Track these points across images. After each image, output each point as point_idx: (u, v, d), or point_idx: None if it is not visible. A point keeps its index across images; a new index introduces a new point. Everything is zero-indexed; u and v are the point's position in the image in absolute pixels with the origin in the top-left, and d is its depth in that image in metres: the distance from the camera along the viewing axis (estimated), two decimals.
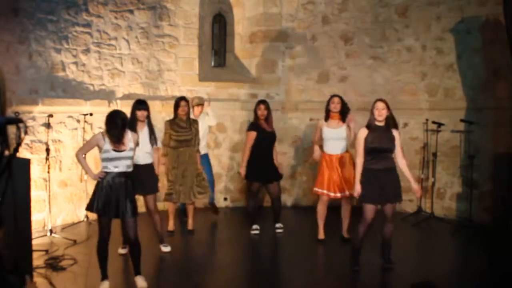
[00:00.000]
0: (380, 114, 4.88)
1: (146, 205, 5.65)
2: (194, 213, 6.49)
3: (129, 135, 4.46)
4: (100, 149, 4.40)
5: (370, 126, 4.93)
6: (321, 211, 6.01)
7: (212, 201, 7.63)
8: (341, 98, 5.97)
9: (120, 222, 4.59)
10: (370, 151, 4.88)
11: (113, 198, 4.34)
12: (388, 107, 4.91)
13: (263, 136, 6.33)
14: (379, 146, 4.87)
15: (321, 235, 6.05)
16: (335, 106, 5.90)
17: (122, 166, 4.39)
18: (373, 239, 5.22)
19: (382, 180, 4.87)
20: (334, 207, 6.14)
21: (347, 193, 5.83)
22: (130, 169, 4.47)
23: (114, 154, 4.35)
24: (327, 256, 5.83)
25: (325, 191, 5.88)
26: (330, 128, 5.92)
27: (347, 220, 6.04)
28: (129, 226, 4.44)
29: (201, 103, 6.95)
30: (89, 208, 4.45)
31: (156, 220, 5.65)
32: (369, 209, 4.90)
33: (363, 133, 4.93)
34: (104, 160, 4.39)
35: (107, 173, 4.39)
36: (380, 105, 4.90)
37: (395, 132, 4.96)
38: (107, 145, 4.36)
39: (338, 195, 5.86)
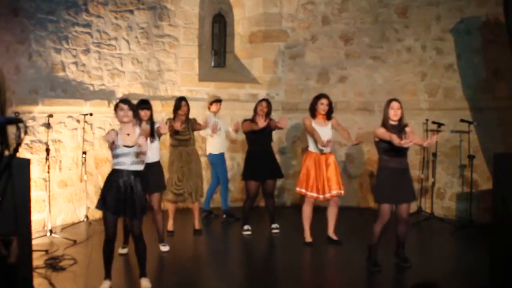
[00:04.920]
0: (396, 114, 4.85)
1: (150, 204, 5.64)
2: (199, 212, 6.51)
3: (137, 132, 4.38)
4: (113, 146, 4.32)
5: (386, 125, 4.89)
6: (307, 212, 5.84)
7: (207, 208, 7.40)
8: (329, 99, 5.81)
9: (123, 221, 4.54)
10: (388, 150, 4.85)
11: (121, 197, 4.28)
12: (401, 107, 4.90)
13: (255, 135, 6.29)
14: (397, 146, 4.83)
15: (308, 238, 5.90)
16: (324, 108, 5.74)
17: (131, 163, 4.32)
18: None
19: (397, 179, 4.88)
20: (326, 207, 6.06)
21: (333, 192, 5.69)
22: (141, 168, 4.41)
23: (125, 149, 4.30)
24: (325, 257, 5.81)
25: (309, 193, 5.72)
26: (317, 126, 5.72)
27: (333, 221, 5.91)
28: (135, 226, 4.40)
29: (217, 100, 7.11)
30: (99, 206, 4.37)
31: (159, 219, 5.67)
32: (386, 209, 4.90)
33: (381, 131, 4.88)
34: (114, 156, 4.35)
35: (116, 170, 4.34)
36: (395, 104, 4.87)
37: (408, 129, 4.91)
38: (119, 140, 4.31)
39: (321, 196, 5.69)
